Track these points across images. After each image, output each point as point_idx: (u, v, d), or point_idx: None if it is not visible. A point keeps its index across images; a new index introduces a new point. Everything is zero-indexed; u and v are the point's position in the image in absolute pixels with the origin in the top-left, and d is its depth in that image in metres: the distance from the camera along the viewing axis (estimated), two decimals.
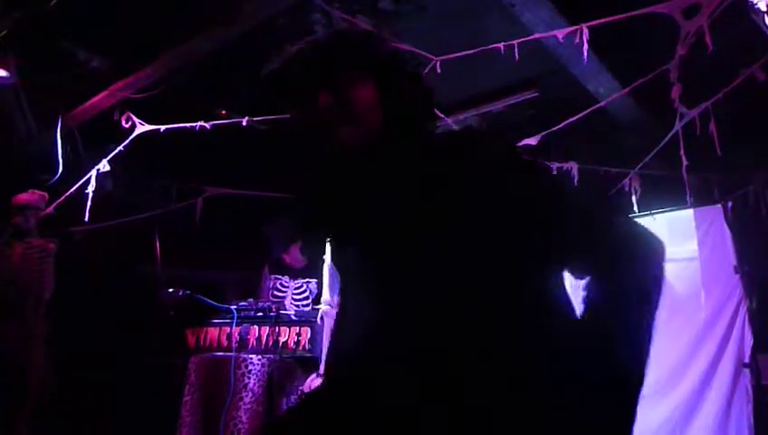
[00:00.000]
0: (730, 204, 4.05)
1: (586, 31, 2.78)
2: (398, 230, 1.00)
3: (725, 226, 4.03)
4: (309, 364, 3.87)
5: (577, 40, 2.82)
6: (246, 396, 3.75)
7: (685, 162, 3.32)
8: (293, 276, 4.94)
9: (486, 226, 0.97)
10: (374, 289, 1.07)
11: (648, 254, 1.01)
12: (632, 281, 0.97)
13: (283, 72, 1.14)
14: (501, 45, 2.87)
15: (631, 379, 0.92)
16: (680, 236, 4.19)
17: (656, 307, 0.97)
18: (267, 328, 3.99)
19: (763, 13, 1.63)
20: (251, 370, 3.82)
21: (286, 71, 1.14)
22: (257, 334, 4.00)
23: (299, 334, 3.94)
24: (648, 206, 4.16)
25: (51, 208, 3.85)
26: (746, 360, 3.74)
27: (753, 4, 1.64)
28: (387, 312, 1.02)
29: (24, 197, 3.72)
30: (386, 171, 1.04)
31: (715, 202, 4.09)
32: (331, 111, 1.08)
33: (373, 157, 1.06)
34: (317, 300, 4.58)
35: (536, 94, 4.00)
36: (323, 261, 3.54)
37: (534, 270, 1.00)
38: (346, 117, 1.07)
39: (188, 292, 4.10)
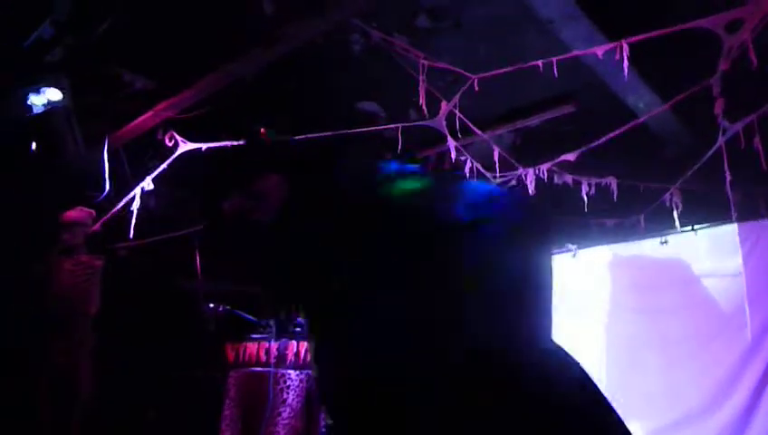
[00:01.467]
0: None
1: (626, 47, 2.76)
2: None
3: None
4: None
5: (618, 56, 2.80)
6: (284, 411, 3.78)
7: (729, 177, 3.26)
8: None
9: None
10: None
11: None
12: None
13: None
14: (540, 63, 2.87)
15: None
16: (723, 252, 4.10)
17: None
18: (305, 343, 4.02)
19: None
20: (289, 385, 3.85)
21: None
22: (296, 349, 4.04)
23: None
24: (689, 221, 4.09)
25: (97, 225, 3.97)
26: None
27: None
28: None
29: (72, 214, 3.84)
30: None
31: (761, 217, 4.00)
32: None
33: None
34: None
35: (573, 109, 3.97)
36: None
37: None
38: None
39: (228, 307, 4.17)
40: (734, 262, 4.05)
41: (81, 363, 3.55)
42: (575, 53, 2.91)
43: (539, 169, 3.77)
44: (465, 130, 3.62)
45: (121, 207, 3.92)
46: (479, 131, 3.71)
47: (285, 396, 3.86)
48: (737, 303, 3.93)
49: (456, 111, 3.28)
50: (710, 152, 3.39)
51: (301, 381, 3.89)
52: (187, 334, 4.37)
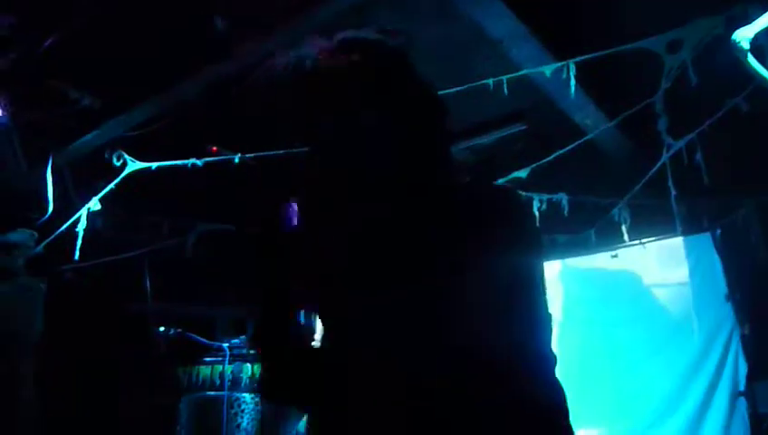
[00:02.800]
0: (719, 231, 4.10)
1: (572, 66, 2.84)
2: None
3: (715, 253, 4.06)
4: None
5: (564, 75, 2.88)
6: None
7: (673, 192, 3.37)
8: None
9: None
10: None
11: None
12: None
13: None
14: (490, 81, 2.92)
15: None
16: (671, 263, 4.23)
17: None
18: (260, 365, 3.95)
19: (746, 51, 1.68)
20: (243, 409, 3.77)
21: None
22: (250, 372, 3.96)
23: None
24: (638, 235, 4.20)
25: (40, 247, 3.82)
26: (742, 388, 3.74)
27: (735, 43, 1.68)
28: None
29: (12, 236, 3.68)
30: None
31: (704, 230, 4.14)
32: None
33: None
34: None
35: (524, 127, 4.05)
36: None
37: None
38: None
39: (180, 330, 4.06)
40: (682, 272, 4.18)
41: (21, 390, 3.39)
42: (523, 72, 2.96)
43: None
44: None
45: (66, 228, 3.78)
46: None
47: (240, 420, 3.78)
48: (685, 312, 4.05)
49: None
50: (655, 168, 3.50)
51: (256, 404, 3.80)
52: (137, 359, 4.23)
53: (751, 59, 1.71)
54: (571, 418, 0.96)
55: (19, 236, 3.74)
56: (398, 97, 1.07)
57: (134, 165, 3.71)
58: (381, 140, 1.04)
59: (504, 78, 2.94)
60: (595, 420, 4.03)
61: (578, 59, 2.84)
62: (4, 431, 3.33)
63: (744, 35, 1.72)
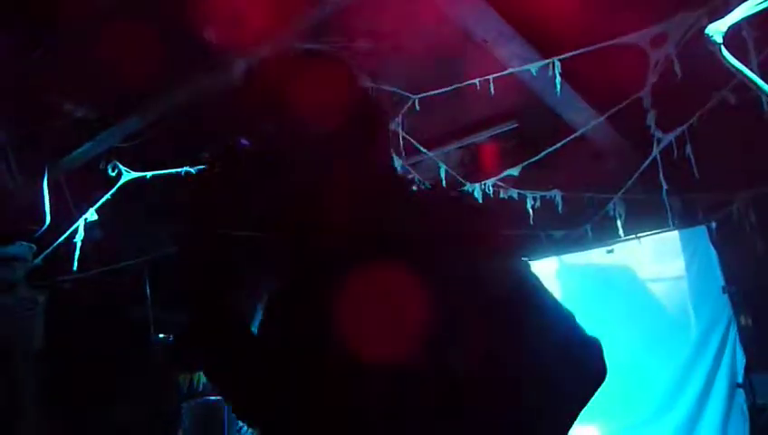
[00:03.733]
0: (714, 224, 4.09)
1: (558, 63, 2.85)
2: None
3: (711, 246, 4.06)
4: None
5: (550, 73, 2.89)
6: None
7: (665, 186, 3.38)
8: None
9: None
10: None
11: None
12: None
13: None
14: (477, 81, 2.93)
15: None
16: (667, 256, 4.23)
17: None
18: None
19: (719, 44, 1.69)
20: None
21: None
22: None
23: None
24: (633, 229, 4.21)
25: (39, 259, 3.85)
26: (740, 380, 3.74)
27: (709, 37, 1.69)
28: None
29: (11, 249, 3.72)
30: None
31: (699, 223, 4.13)
32: None
33: None
34: None
35: (516, 125, 4.06)
36: None
37: None
38: None
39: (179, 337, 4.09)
40: (678, 266, 4.18)
41: (22, 400, 3.43)
42: (509, 70, 2.98)
43: (485, 185, 3.83)
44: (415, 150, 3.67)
45: (64, 239, 3.81)
46: (424, 150, 3.75)
47: (241, 425, 3.80)
48: (682, 306, 4.05)
49: (400, 131, 3.31)
50: (646, 163, 3.51)
51: None
52: (137, 367, 4.26)
53: (725, 52, 1.71)
54: None
55: (18, 248, 3.78)
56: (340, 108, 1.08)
57: (129, 175, 3.74)
58: (324, 149, 1.05)
59: (491, 77, 2.95)
60: (593, 416, 4.03)
61: (562, 56, 2.85)
62: None
63: (717, 29, 1.72)
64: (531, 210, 3.92)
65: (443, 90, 3.07)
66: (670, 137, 3.34)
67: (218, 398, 3.92)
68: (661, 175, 3.37)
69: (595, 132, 3.84)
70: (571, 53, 2.84)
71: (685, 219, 4.14)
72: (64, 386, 3.89)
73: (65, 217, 3.84)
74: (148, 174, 3.80)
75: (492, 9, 2.78)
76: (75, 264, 3.80)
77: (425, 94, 3.03)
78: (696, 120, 3.29)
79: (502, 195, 3.88)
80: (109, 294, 4.43)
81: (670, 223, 3.76)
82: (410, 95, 3.05)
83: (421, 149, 3.72)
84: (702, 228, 4.10)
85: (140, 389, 4.25)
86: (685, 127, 3.32)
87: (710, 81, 3.12)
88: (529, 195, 3.89)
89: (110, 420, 4.27)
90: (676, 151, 3.28)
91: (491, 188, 3.84)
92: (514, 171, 3.68)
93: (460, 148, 4.54)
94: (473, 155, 4.54)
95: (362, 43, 3.32)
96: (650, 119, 3.18)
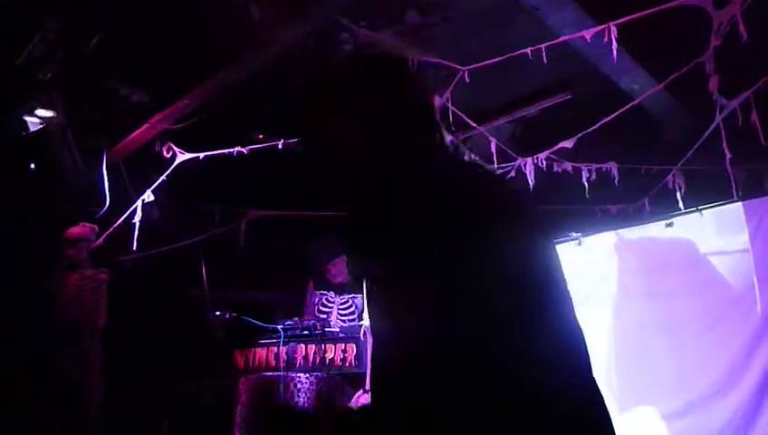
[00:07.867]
0: None
1: (614, 29, 2.74)
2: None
3: None
4: (356, 380, 3.89)
5: (606, 39, 2.78)
6: None
7: (728, 155, 3.22)
8: (339, 292, 4.98)
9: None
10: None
11: None
12: None
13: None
14: (528, 50, 2.85)
15: None
16: (730, 230, 4.03)
17: None
18: (313, 346, 4.04)
19: None
20: (300, 388, 3.87)
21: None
22: (304, 353, 4.06)
23: (345, 351, 3.97)
24: (694, 202, 4.05)
25: (100, 240, 4.00)
26: None
27: None
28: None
29: (75, 230, 3.88)
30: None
31: (764, 193, 3.94)
32: None
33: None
34: (362, 315, 4.61)
35: (569, 96, 3.95)
36: None
37: None
38: None
39: (235, 314, 4.19)
40: (742, 239, 3.99)
41: (90, 376, 3.59)
42: (562, 38, 2.88)
43: (537, 159, 3.75)
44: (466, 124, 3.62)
45: (123, 220, 3.95)
46: (474, 124, 3.69)
47: (297, 399, 3.87)
48: (746, 280, 3.86)
49: (449, 105, 3.26)
50: (708, 131, 3.36)
51: (311, 383, 3.90)
52: (196, 343, 4.40)
53: None
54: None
55: (82, 230, 3.93)
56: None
57: (183, 156, 3.83)
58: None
59: (543, 46, 2.86)
60: (652, 395, 3.93)
61: (619, 21, 2.73)
62: (76, 419, 3.52)
63: None
64: (586, 183, 3.82)
65: (492, 60, 3.00)
66: (734, 103, 3.18)
67: (274, 373, 4.01)
68: (724, 143, 3.21)
69: (653, 101, 3.70)
70: (627, 18, 2.72)
71: (749, 190, 3.95)
72: (129, 362, 4.07)
73: (125, 198, 3.97)
74: (201, 155, 3.88)
75: None
76: (134, 243, 3.94)
77: (474, 66, 2.97)
78: (763, 85, 3.13)
79: (556, 168, 3.80)
80: (167, 272, 4.58)
81: (734, 194, 3.59)
82: (460, 67, 2.99)
83: (470, 122, 3.67)
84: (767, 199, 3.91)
85: (198, 364, 4.40)
86: (750, 92, 3.15)
87: None
88: (584, 168, 3.79)
89: (171, 395, 4.44)
90: (740, 119, 3.12)
91: (543, 161, 3.76)
92: (568, 144, 3.58)
93: (512, 121, 4.46)
94: (525, 128, 4.45)
95: (411, 15, 3.28)
96: (713, 84, 3.03)
